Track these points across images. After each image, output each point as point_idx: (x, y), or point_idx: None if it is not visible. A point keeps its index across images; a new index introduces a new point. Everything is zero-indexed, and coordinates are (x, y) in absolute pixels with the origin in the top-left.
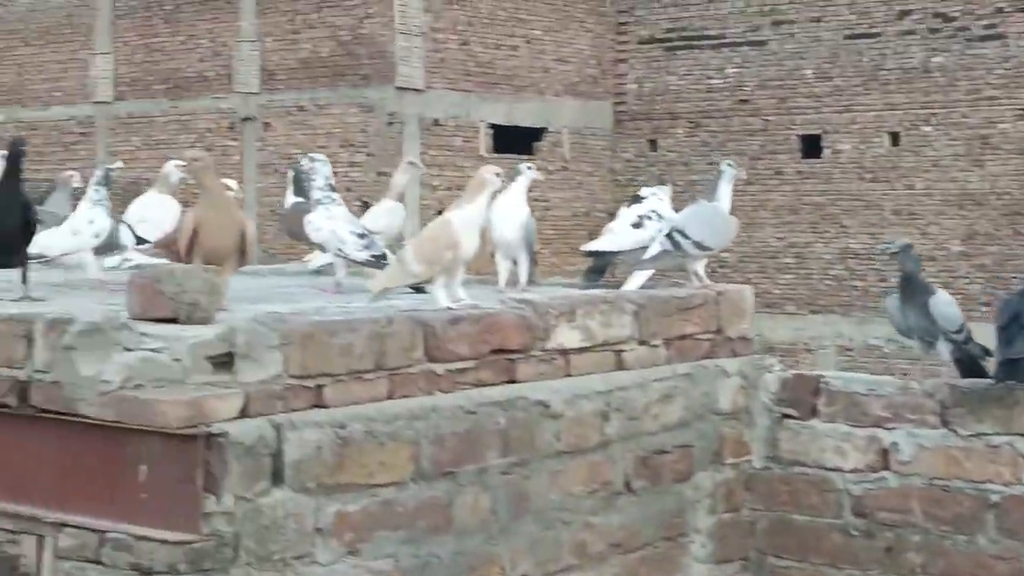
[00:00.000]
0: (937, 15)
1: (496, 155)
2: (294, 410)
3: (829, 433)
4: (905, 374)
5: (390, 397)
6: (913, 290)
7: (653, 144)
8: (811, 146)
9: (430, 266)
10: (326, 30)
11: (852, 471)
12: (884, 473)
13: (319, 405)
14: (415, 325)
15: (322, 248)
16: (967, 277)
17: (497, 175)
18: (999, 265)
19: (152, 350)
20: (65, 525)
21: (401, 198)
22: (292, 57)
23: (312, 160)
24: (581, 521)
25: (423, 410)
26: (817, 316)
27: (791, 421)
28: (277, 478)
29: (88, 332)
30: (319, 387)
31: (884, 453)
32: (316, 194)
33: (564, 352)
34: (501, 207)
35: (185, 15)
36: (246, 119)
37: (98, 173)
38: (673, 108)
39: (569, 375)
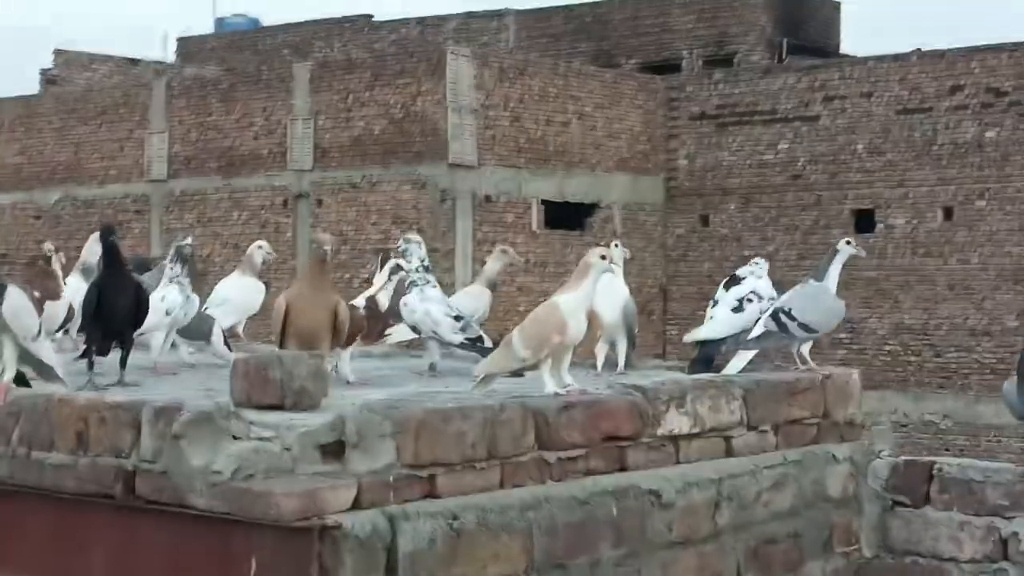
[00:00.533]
0: (989, 90)
1: (548, 230)
2: (407, 500)
3: (943, 521)
4: (962, 451)
5: (501, 486)
6: None
7: (705, 220)
8: (864, 221)
9: (537, 350)
10: (378, 108)
11: (969, 561)
12: (1004, 564)
13: (431, 495)
14: (527, 412)
15: (416, 330)
16: None
17: (603, 257)
18: None
19: (262, 439)
20: None
21: (493, 285)
22: (345, 134)
23: (407, 241)
24: None
25: (536, 500)
26: (871, 392)
27: (903, 509)
28: (391, 571)
29: (197, 421)
30: (432, 476)
31: (1003, 543)
32: (412, 275)
33: (674, 439)
34: (600, 289)
35: (240, 94)
36: (299, 196)
37: (171, 251)
38: (724, 184)
39: (679, 462)
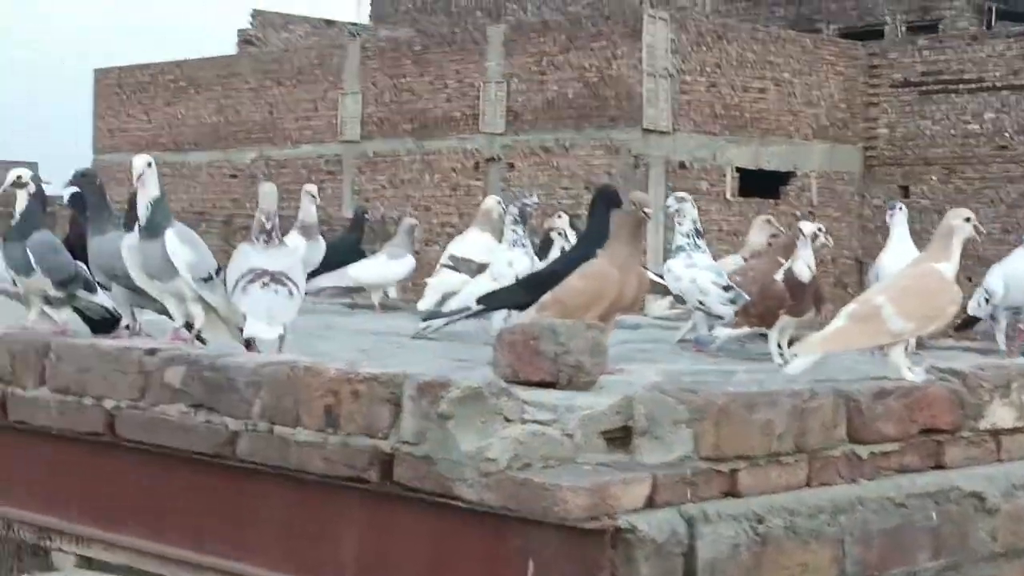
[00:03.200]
0: None
1: (742, 199)
2: (705, 499)
3: None
4: None
5: (808, 484)
6: None
7: (905, 191)
8: None
9: (923, 324)
10: (572, 71)
11: None
12: None
13: (731, 493)
14: (839, 399)
15: (680, 299)
16: None
17: (967, 220)
18: None
19: (538, 422)
20: None
21: (755, 256)
22: (538, 98)
23: (680, 200)
24: None
25: (848, 502)
26: None
27: None
28: None
29: (467, 398)
30: (733, 472)
31: None
32: (679, 239)
33: (995, 433)
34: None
35: (433, 56)
36: (490, 159)
37: (512, 210)
38: (926, 154)
39: (1000, 460)
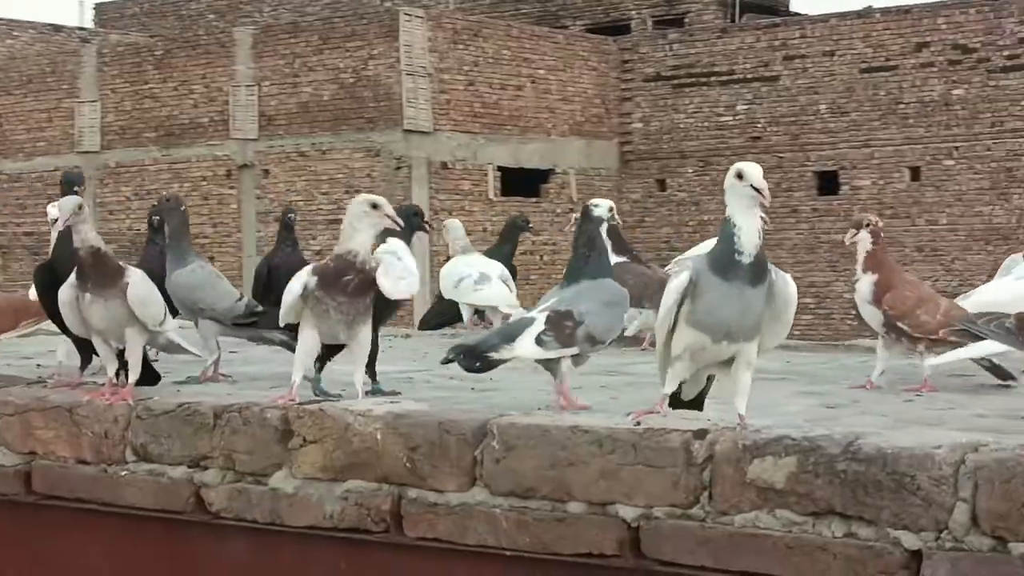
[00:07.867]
0: (956, 47)
1: (504, 198)
2: None
3: None
4: None
5: None
6: None
7: (662, 184)
8: (828, 183)
9: None
10: (328, 73)
11: None
12: None
13: None
14: None
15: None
16: None
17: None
18: None
19: None
20: None
21: None
22: (292, 101)
23: None
24: None
25: None
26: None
27: None
28: None
29: None
30: None
31: None
32: None
33: None
34: None
35: (177, 60)
36: (244, 166)
37: None
38: (681, 147)
39: None
